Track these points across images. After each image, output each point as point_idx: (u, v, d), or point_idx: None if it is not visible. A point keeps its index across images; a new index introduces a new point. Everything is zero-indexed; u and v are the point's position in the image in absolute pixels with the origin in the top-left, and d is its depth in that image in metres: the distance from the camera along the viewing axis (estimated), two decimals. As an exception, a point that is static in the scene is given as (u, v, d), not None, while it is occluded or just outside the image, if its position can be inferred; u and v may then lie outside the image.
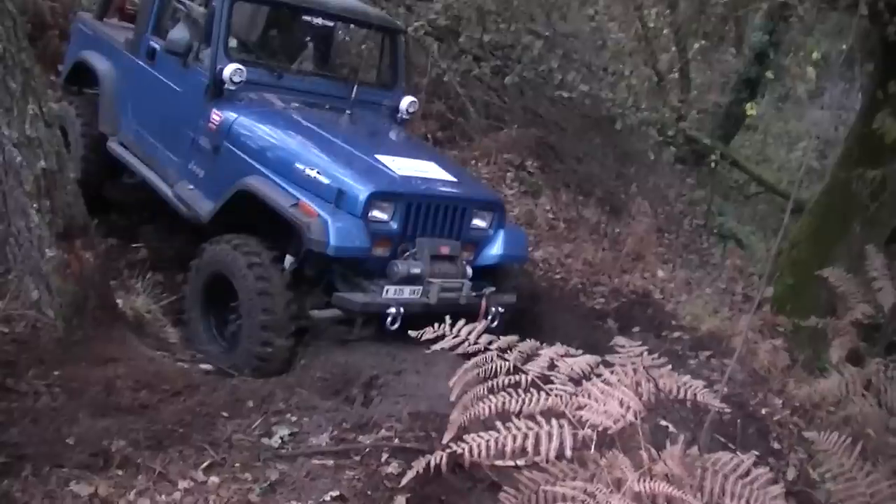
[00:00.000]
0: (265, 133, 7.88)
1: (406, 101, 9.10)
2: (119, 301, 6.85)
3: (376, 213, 7.21)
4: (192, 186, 8.14)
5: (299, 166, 7.45)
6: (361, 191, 7.15)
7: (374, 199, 7.16)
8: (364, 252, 7.12)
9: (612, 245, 12.07)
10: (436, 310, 6.92)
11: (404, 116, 9.14)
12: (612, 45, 13.93)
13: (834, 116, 20.79)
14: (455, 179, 7.97)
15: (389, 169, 7.56)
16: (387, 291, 7.21)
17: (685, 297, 10.95)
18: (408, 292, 7.27)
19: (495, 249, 7.90)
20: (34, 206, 5.99)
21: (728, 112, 19.31)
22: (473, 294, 7.51)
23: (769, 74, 16.83)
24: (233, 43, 8.34)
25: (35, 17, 11.43)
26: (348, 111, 8.64)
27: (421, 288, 7.30)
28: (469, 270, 7.64)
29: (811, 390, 7.11)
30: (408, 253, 7.38)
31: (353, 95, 8.69)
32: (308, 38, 9.17)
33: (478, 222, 7.82)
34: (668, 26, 18.01)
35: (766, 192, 19.15)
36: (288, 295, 7.02)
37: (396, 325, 7.03)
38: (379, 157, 7.71)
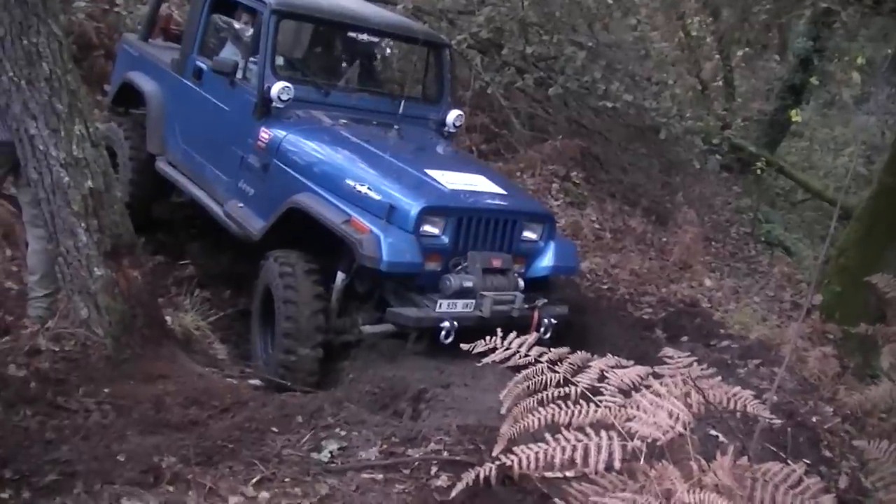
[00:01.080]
0: (314, 150, 7.87)
1: (452, 115, 9.07)
2: (167, 318, 6.89)
3: (427, 228, 7.22)
4: (242, 205, 8.16)
5: (349, 182, 7.45)
6: (413, 206, 7.16)
7: (426, 213, 7.17)
8: (416, 267, 7.13)
9: (659, 254, 12.03)
10: (489, 323, 6.98)
11: (451, 130, 9.13)
12: (655, 54, 13.91)
13: (880, 121, 20.59)
14: (504, 192, 7.95)
15: (439, 183, 7.56)
16: (440, 306, 7.21)
17: (733, 305, 10.89)
18: (461, 306, 7.26)
19: (546, 261, 7.88)
20: (82, 225, 6.04)
21: (773, 119, 19.21)
22: (525, 306, 7.49)
23: (814, 80, 16.82)
24: (279, 61, 8.35)
25: (80, 37, 11.53)
26: (395, 126, 8.61)
27: (474, 301, 7.28)
28: (521, 283, 7.60)
29: (862, 398, 7.02)
30: (459, 267, 7.37)
31: (400, 110, 8.70)
32: (354, 55, 9.16)
33: (528, 234, 7.81)
34: (711, 35, 18.00)
35: (812, 198, 19.03)
36: (315, 305, 7.06)
37: (450, 339, 7.03)
38: (428, 171, 7.71)
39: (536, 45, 12.44)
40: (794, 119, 14.23)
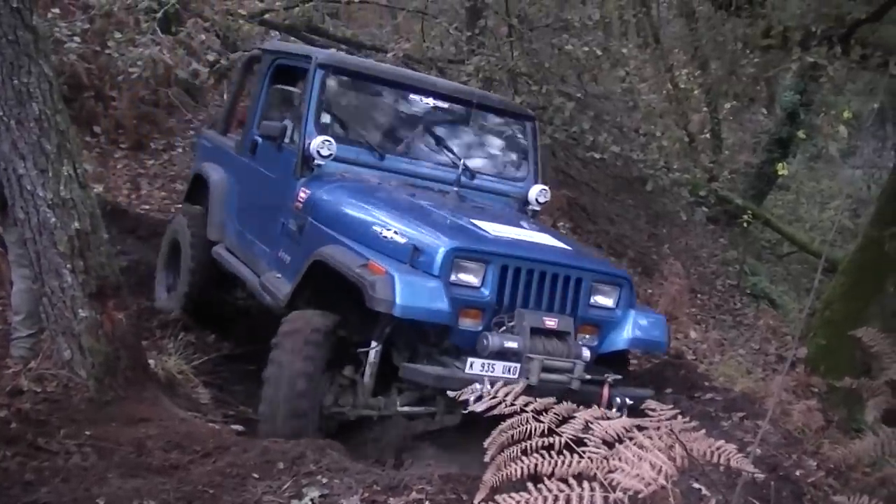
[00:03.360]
0: (347, 202, 7.21)
1: (535, 190, 8.25)
2: (151, 361, 6.87)
3: (463, 277, 6.35)
4: (279, 275, 7.51)
5: (376, 228, 6.77)
6: (440, 246, 6.34)
7: (459, 258, 6.33)
8: (442, 317, 6.22)
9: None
10: (541, 395, 6.11)
11: (535, 207, 8.30)
12: (643, 105, 14.01)
13: (866, 175, 20.78)
14: (568, 248, 7.16)
15: (481, 230, 6.78)
16: (471, 366, 6.19)
17: (718, 357, 10.92)
18: (500, 369, 6.24)
19: (625, 333, 6.83)
20: (68, 266, 6.04)
21: (760, 172, 19.33)
22: (588, 378, 6.38)
23: (801, 134, 16.94)
24: (327, 119, 7.81)
25: (71, 78, 11.57)
26: (455, 188, 7.85)
27: (518, 367, 6.23)
28: (586, 353, 6.49)
29: (846, 451, 7.01)
30: (505, 327, 6.39)
31: (470, 180, 8.06)
32: (420, 122, 8.38)
33: (600, 300, 6.79)
34: (699, 87, 18.09)
35: (798, 251, 19.12)
36: (302, 382, 6.31)
37: (483, 407, 6.12)
38: (476, 221, 6.96)
39: (525, 94, 12.49)
40: (780, 172, 14.24)
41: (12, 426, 5.46)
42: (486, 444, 3.94)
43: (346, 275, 6.38)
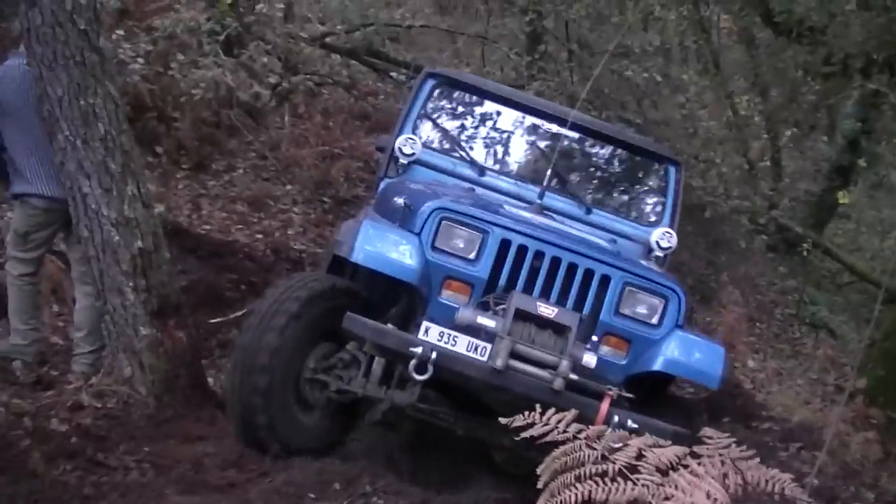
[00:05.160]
0: (399, 186, 6.82)
1: (658, 233, 7.21)
2: (210, 380, 6.95)
3: (453, 243, 5.78)
4: None
5: (394, 199, 6.38)
6: (427, 205, 5.84)
7: (447, 220, 5.79)
8: (407, 274, 5.64)
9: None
10: (515, 394, 5.32)
11: (657, 253, 7.19)
12: (702, 132, 13.93)
13: (927, 204, 20.50)
14: (612, 248, 6.41)
15: (503, 209, 6.20)
16: (426, 331, 5.47)
17: (776, 387, 10.82)
18: (464, 344, 5.47)
19: (663, 354, 5.88)
20: (130, 284, 6.14)
21: (820, 200, 19.11)
22: (574, 379, 5.45)
23: (862, 162, 16.74)
24: (429, 127, 7.58)
25: (134, 99, 11.70)
26: (539, 200, 6.84)
27: (489, 347, 5.44)
28: (589, 358, 5.53)
29: (905, 485, 6.96)
30: (491, 310, 5.66)
31: (586, 214, 7.31)
32: (544, 147, 7.83)
33: (637, 309, 5.91)
34: (759, 114, 17.99)
35: (858, 281, 18.88)
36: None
37: (425, 377, 5.36)
38: (512, 209, 6.36)
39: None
40: (841, 200, 14.15)
41: (72, 440, 5.55)
42: (538, 470, 3.92)
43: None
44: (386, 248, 5.66)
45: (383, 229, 5.81)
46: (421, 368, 5.34)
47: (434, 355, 5.32)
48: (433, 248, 5.74)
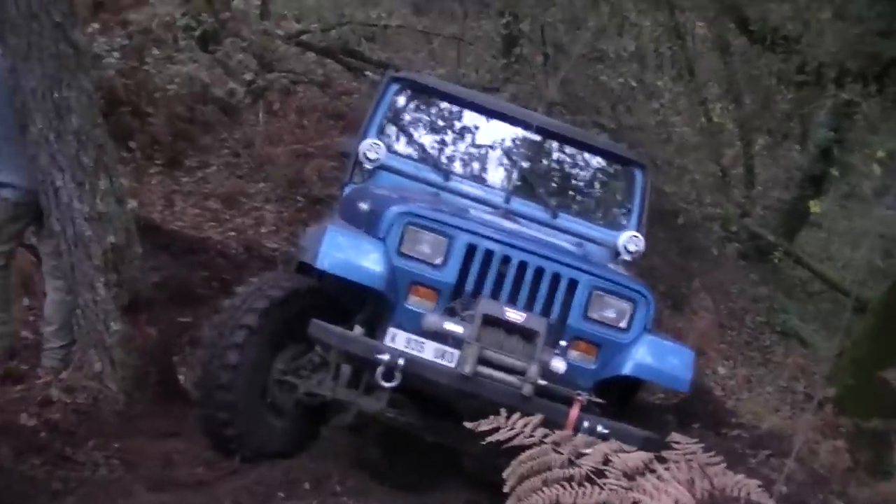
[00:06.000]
0: (363, 191, 6.82)
1: (625, 237, 7.23)
2: (180, 377, 6.92)
3: (419, 249, 5.77)
4: None
5: (359, 204, 6.39)
6: (392, 210, 5.85)
7: (413, 226, 5.79)
8: (373, 280, 5.64)
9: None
10: (484, 400, 5.24)
11: (625, 257, 7.20)
12: (676, 138, 14.00)
13: (900, 215, 20.61)
14: (578, 252, 6.44)
15: (469, 214, 6.26)
16: (392, 338, 5.52)
17: (746, 394, 10.88)
18: (431, 351, 5.50)
19: (632, 359, 5.91)
20: (101, 279, 6.12)
21: (792, 208, 19.19)
22: (544, 385, 5.47)
23: (834, 171, 16.83)
24: (392, 132, 7.55)
25: (109, 93, 11.66)
26: (506, 205, 7.04)
27: (457, 353, 5.46)
28: (558, 363, 5.57)
29: (873, 493, 7.00)
30: (458, 315, 5.67)
31: (552, 219, 7.28)
32: (509, 152, 7.76)
33: (605, 314, 5.91)
34: (733, 121, 18.09)
35: (829, 290, 19.00)
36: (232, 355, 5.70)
37: (393, 384, 5.39)
38: (478, 213, 6.42)
39: (559, 126, 12.54)
40: (813, 209, 14.20)
41: (41, 435, 5.53)
42: (504, 474, 3.92)
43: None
44: (351, 254, 5.68)
45: (348, 235, 5.84)
46: (388, 375, 5.36)
47: (401, 362, 5.34)
48: (399, 253, 5.75)
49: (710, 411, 9.31)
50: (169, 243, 10.60)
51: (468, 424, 3.91)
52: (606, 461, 3.80)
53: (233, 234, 11.47)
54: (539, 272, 5.82)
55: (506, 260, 5.81)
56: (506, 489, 3.91)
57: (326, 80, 14.66)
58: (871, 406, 9.00)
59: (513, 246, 5.85)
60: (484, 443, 3.74)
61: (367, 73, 13.74)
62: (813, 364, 14.31)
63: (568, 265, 5.89)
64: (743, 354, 13.50)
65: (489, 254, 5.79)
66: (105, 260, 6.13)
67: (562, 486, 3.75)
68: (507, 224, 6.31)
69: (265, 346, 5.81)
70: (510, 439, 3.90)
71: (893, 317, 10.21)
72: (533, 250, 5.88)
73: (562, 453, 3.86)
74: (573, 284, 5.85)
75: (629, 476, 3.73)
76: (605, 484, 3.69)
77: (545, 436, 3.90)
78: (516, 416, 3.98)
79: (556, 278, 5.84)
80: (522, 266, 5.81)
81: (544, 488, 3.69)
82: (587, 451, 3.80)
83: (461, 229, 5.83)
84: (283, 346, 5.94)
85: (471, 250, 5.78)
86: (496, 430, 3.97)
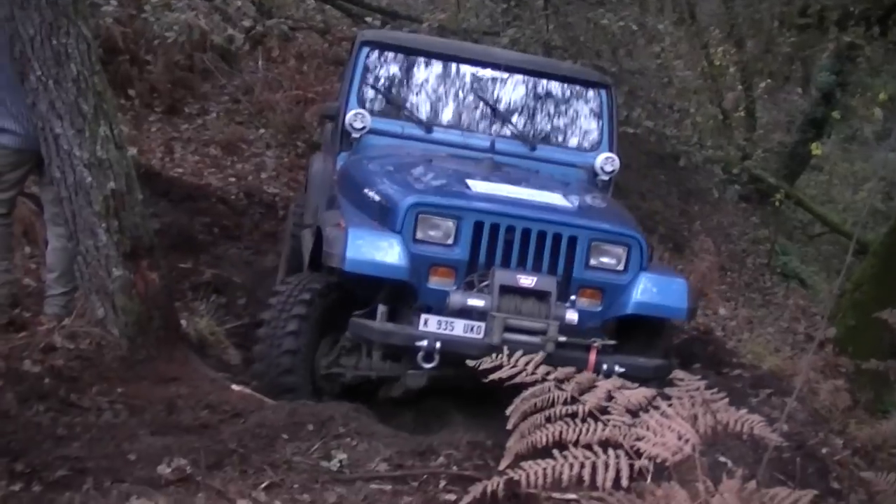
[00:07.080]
0: (360, 169, 7.12)
1: (601, 158, 7.69)
2: (183, 322, 6.93)
3: (432, 234, 6.14)
4: None
5: (367, 191, 6.65)
6: (401, 203, 6.18)
7: (423, 214, 6.14)
8: (399, 273, 6.05)
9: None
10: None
11: (602, 178, 7.68)
12: (677, 82, 13.93)
13: (901, 158, 20.58)
14: (571, 206, 6.62)
15: (465, 187, 6.51)
16: (425, 322, 5.97)
17: (747, 335, 10.92)
18: (461, 328, 5.95)
19: (632, 297, 6.35)
20: (102, 225, 6.08)
21: (793, 151, 19.18)
22: (563, 340, 5.96)
23: (835, 114, 16.80)
24: (371, 95, 7.76)
25: (107, 41, 11.61)
26: (491, 156, 7.36)
27: (483, 325, 5.92)
28: (571, 315, 6.04)
29: (873, 432, 7.03)
30: (477, 287, 6.10)
31: (531, 151, 7.72)
32: (481, 92, 8.03)
33: (603, 261, 6.32)
34: (735, 65, 18.01)
35: (830, 232, 19.03)
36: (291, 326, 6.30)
37: (433, 365, 5.93)
38: (470, 181, 6.62)
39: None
40: (814, 152, 14.17)
41: (45, 382, 5.52)
42: (507, 412, 3.95)
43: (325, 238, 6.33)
44: (374, 253, 6.05)
45: (367, 235, 6.13)
46: (428, 358, 5.91)
47: (438, 345, 5.88)
48: (415, 241, 6.11)
49: (711, 352, 9.34)
50: (169, 190, 10.63)
51: (471, 363, 4.20)
52: (610, 398, 3.81)
53: (233, 180, 11.49)
54: (542, 235, 6.20)
55: (510, 229, 6.17)
56: (509, 426, 3.93)
57: (326, 27, 14.61)
58: (871, 346, 9.05)
59: (514, 216, 6.20)
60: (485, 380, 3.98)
61: (367, 19, 13.63)
62: (813, 305, 14.37)
63: (566, 224, 6.27)
64: (744, 296, 13.55)
65: (495, 227, 6.15)
66: (106, 206, 6.09)
67: (565, 422, 3.77)
68: (505, 191, 6.56)
69: (314, 332, 6.37)
70: (512, 377, 3.93)
71: (894, 258, 10.23)
72: (534, 217, 6.24)
73: (564, 391, 3.87)
74: (573, 240, 6.24)
75: (632, 412, 3.75)
76: (608, 420, 3.70)
77: (547, 373, 3.92)
78: (518, 354, 4.05)
79: (556, 238, 6.22)
80: (526, 232, 6.18)
81: (547, 425, 3.72)
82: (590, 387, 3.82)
83: (467, 209, 6.17)
84: (324, 334, 6.46)
85: (478, 227, 6.14)
86: (499, 367, 4.00)
